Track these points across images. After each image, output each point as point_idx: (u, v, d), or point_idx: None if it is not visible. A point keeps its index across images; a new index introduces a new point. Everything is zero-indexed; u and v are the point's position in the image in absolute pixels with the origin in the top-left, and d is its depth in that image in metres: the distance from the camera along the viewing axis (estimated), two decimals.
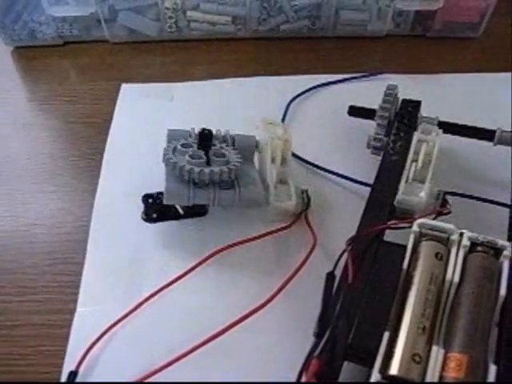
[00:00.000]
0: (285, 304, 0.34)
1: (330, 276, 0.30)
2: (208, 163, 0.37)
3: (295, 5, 0.59)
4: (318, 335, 0.26)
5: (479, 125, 0.43)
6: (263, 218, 0.40)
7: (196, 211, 0.40)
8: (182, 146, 0.38)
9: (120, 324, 0.34)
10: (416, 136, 0.38)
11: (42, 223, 0.42)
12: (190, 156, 0.37)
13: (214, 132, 0.39)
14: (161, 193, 0.37)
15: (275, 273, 0.36)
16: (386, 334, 0.27)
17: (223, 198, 0.37)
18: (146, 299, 0.35)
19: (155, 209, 0.40)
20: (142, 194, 0.41)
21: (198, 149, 0.38)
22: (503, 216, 0.36)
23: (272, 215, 0.39)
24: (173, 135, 0.40)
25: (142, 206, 0.40)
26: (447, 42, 0.61)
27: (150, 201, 0.40)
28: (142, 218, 0.40)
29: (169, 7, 0.59)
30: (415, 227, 0.30)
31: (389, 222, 0.34)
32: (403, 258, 0.29)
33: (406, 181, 0.36)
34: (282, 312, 0.35)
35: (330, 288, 0.29)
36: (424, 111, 0.43)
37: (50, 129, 0.51)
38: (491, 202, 0.40)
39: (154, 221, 0.40)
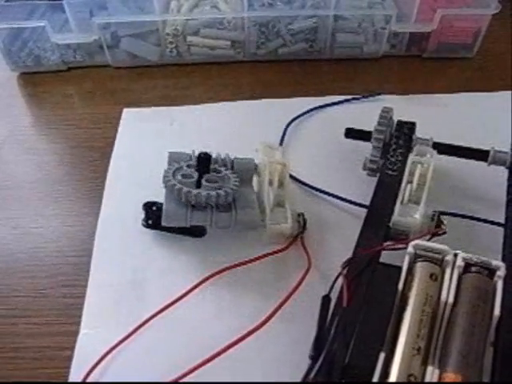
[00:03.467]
0: (281, 326, 0.35)
1: (326, 300, 0.30)
2: (206, 186, 0.38)
3: (292, 29, 0.60)
4: (313, 358, 0.27)
5: (476, 144, 0.43)
6: (260, 240, 0.40)
7: (194, 231, 0.41)
8: (181, 168, 0.39)
9: (121, 345, 0.34)
10: (410, 158, 0.39)
11: (45, 246, 0.43)
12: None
13: (213, 155, 0.40)
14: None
15: (271, 295, 0.36)
16: (382, 355, 0.27)
17: (220, 220, 0.38)
18: (146, 321, 0.36)
19: (156, 216, 0.40)
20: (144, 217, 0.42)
21: (197, 171, 0.39)
22: (498, 235, 0.37)
23: (268, 237, 0.40)
24: (173, 158, 0.41)
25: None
26: (442, 63, 0.62)
27: (154, 208, 0.41)
28: (143, 225, 0.41)
29: (169, 33, 0.60)
30: (410, 249, 0.30)
31: (384, 244, 0.34)
32: (398, 279, 0.30)
33: (402, 202, 0.37)
34: (278, 334, 0.35)
35: (326, 312, 0.30)
36: (421, 131, 0.44)
37: (54, 153, 0.52)
38: (486, 221, 0.40)
39: (154, 228, 0.41)
